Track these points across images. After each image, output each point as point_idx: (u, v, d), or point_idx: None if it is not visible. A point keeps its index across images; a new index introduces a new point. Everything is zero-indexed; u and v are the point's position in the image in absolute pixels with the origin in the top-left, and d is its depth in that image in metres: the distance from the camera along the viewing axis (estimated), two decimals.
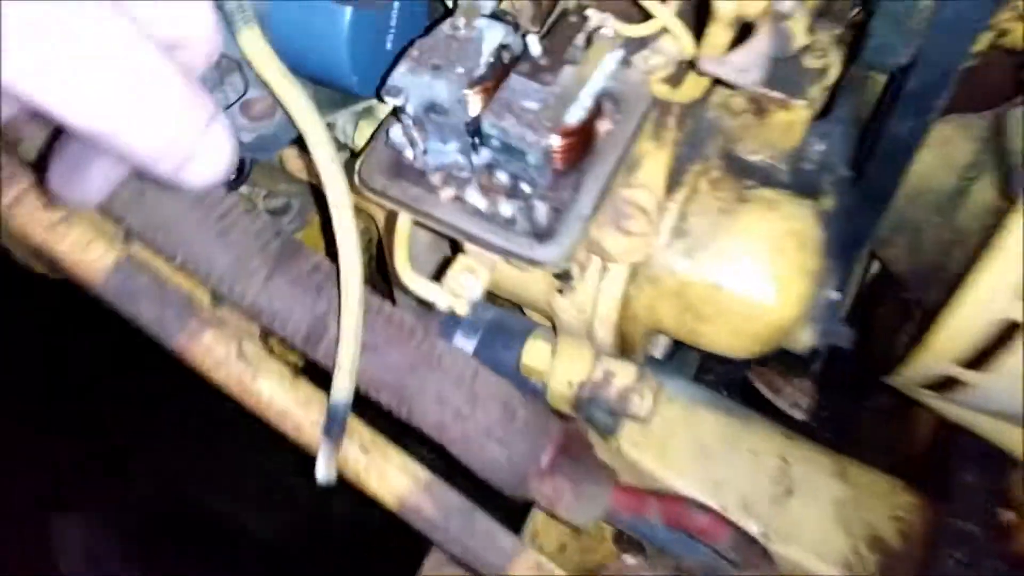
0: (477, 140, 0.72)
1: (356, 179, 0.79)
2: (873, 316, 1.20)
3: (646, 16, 0.81)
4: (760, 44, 0.68)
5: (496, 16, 0.75)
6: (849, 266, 1.03)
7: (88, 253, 0.89)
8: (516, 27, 0.76)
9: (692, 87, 0.86)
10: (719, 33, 0.77)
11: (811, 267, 0.90)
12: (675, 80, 0.85)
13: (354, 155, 1.04)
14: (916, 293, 1.13)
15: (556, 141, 0.69)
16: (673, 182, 0.90)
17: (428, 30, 0.81)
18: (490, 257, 0.77)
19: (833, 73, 0.89)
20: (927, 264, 1.13)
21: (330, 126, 1.02)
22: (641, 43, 0.85)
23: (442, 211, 0.76)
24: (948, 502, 1.09)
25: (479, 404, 0.90)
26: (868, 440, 1.47)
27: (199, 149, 0.46)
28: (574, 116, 0.71)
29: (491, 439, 0.89)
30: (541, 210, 0.75)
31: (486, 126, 0.70)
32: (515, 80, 0.71)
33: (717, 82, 0.85)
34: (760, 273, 0.88)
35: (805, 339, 0.96)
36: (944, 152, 1.09)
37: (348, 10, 0.79)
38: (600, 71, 0.72)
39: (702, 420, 1.14)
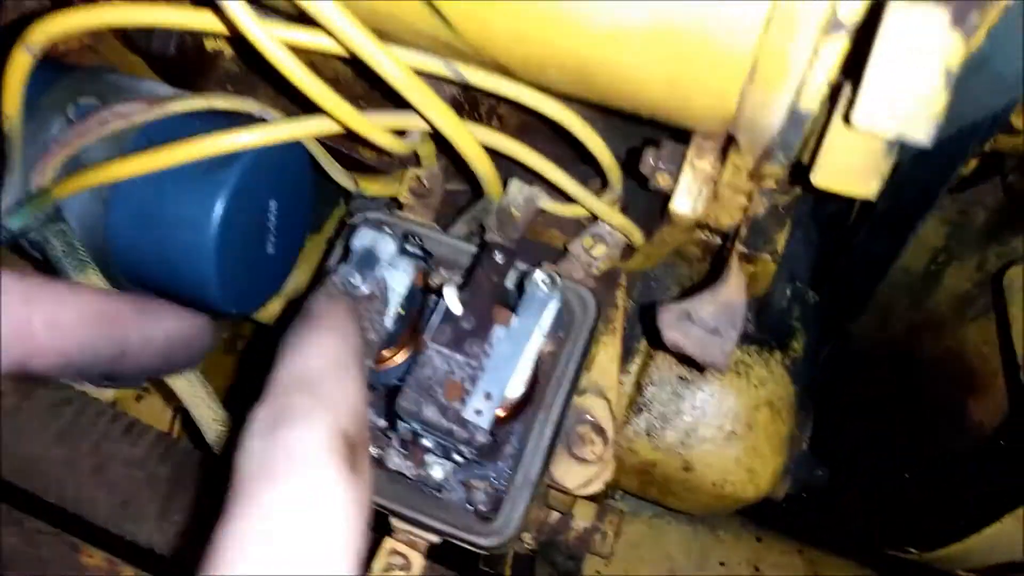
0: (396, 418, 0.58)
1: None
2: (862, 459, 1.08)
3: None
4: (732, 293, 0.54)
5: (402, 248, 0.58)
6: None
7: None
8: (424, 252, 0.60)
9: (641, 262, 0.72)
10: (675, 233, 0.63)
11: (785, 434, 0.80)
12: (623, 255, 0.71)
13: None
14: (881, 380, 1.04)
15: (489, 427, 0.55)
16: (625, 349, 0.77)
17: (326, 255, 0.64)
18: (424, 536, 0.64)
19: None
20: (895, 347, 1.04)
21: None
22: (579, 224, 0.70)
23: None
24: None
25: None
26: None
27: None
28: (514, 391, 0.57)
29: None
30: (479, 486, 0.61)
31: (403, 414, 0.56)
32: (434, 352, 0.56)
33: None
34: (732, 454, 0.78)
35: (779, 493, 0.87)
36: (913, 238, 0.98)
37: (215, 216, 0.61)
38: (540, 329, 0.57)
39: (667, 535, 1.06)
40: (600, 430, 0.69)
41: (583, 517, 0.99)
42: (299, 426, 0.35)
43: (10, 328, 0.38)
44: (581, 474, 0.68)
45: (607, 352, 0.72)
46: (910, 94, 0.39)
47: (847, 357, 1.14)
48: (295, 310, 0.45)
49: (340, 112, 0.53)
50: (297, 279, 0.80)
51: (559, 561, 0.98)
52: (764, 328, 0.81)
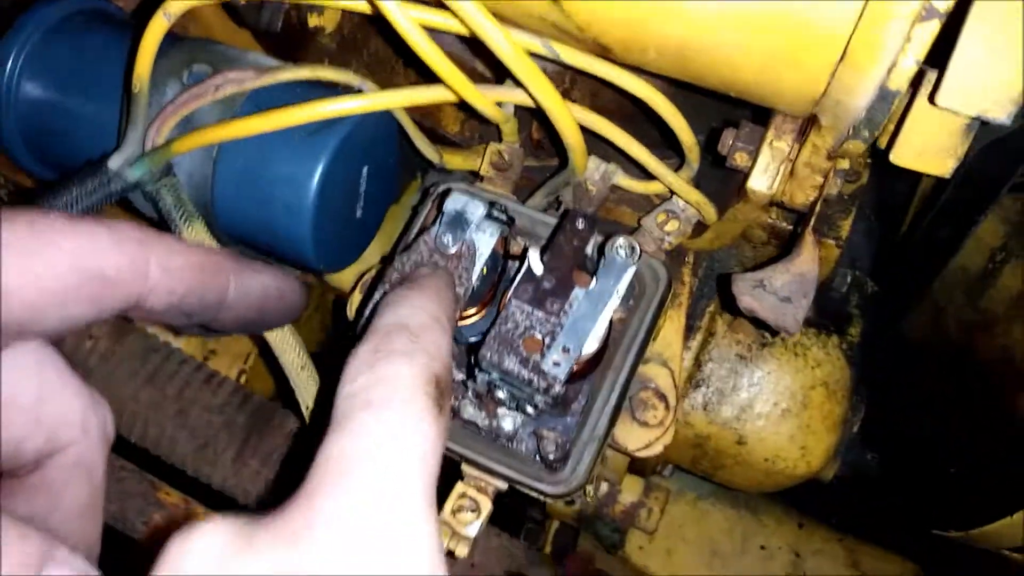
0: (475, 368, 0.61)
1: None
2: (913, 446, 1.08)
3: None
4: (804, 265, 0.57)
5: (488, 213, 0.62)
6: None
7: None
8: (508, 218, 0.64)
9: (710, 241, 0.75)
10: (748, 211, 0.66)
11: (839, 415, 0.82)
12: (692, 233, 0.74)
13: None
14: (933, 375, 1.06)
15: (566, 378, 0.59)
16: (687, 327, 0.80)
17: (410, 220, 0.68)
18: (493, 482, 0.68)
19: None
20: (949, 345, 1.06)
21: None
22: (650, 203, 0.73)
23: None
24: None
25: (479, 568, 0.83)
26: None
27: None
28: (589, 347, 0.61)
29: None
30: (549, 436, 0.65)
31: (484, 364, 0.60)
32: (516, 308, 0.60)
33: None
34: (785, 431, 0.80)
35: (828, 474, 0.89)
36: (974, 232, 1.00)
37: (316, 176, 0.65)
38: (617, 293, 0.61)
39: (710, 517, 1.09)
40: (662, 396, 0.72)
41: (630, 492, 1.02)
42: (398, 362, 0.39)
43: (130, 266, 0.41)
44: (642, 437, 0.72)
45: (672, 325, 0.75)
46: (994, 77, 0.42)
47: (901, 353, 1.16)
48: (382, 271, 0.49)
49: (455, 80, 0.57)
50: (374, 247, 0.84)
51: (604, 534, 1.01)
52: (823, 313, 0.84)
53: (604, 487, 1.02)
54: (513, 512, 1.00)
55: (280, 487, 0.83)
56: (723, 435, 0.82)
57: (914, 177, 0.91)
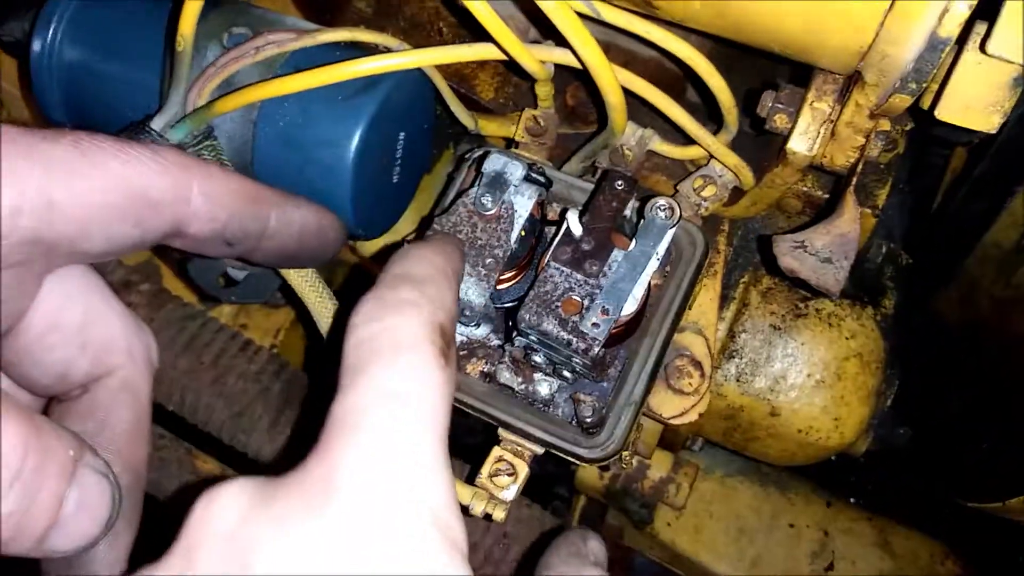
0: (513, 332, 0.62)
1: None
2: (945, 421, 1.07)
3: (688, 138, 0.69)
4: (845, 226, 0.57)
5: (527, 175, 0.62)
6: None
7: None
8: (546, 180, 0.64)
9: (746, 208, 0.75)
10: (787, 175, 0.66)
11: (873, 387, 0.82)
12: (728, 201, 0.74)
13: None
14: (966, 351, 1.05)
15: (604, 339, 0.59)
16: (721, 297, 0.80)
17: (447, 187, 0.68)
18: (529, 447, 0.68)
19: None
20: (981, 320, 1.05)
21: None
22: (686, 170, 0.73)
23: (471, 394, 0.66)
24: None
25: (511, 544, 0.83)
26: None
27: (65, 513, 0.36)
28: (628, 309, 0.61)
29: None
30: (586, 400, 0.65)
31: (523, 326, 0.60)
32: (554, 270, 0.60)
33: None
34: (819, 403, 0.80)
35: (860, 447, 0.89)
36: (1009, 206, 0.99)
37: (356, 138, 0.65)
38: (656, 255, 0.61)
39: (739, 494, 1.09)
40: (697, 364, 0.72)
41: (659, 467, 1.02)
42: (405, 312, 0.39)
43: (173, 188, 0.42)
44: (677, 404, 0.72)
45: (707, 293, 0.75)
46: None
47: (934, 328, 1.15)
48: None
49: (503, 36, 0.57)
50: (406, 218, 0.85)
51: (632, 509, 1.01)
52: (858, 284, 0.83)
53: (633, 462, 1.02)
54: (540, 489, 1.00)
55: (299, 444, 0.84)
56: (756, 406, 0.81)
57: (949, 149, 0.90)
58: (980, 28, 0.47)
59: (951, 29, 0.44)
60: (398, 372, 0.37)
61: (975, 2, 0.43)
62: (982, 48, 0.44)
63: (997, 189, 0.81)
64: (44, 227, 0.37)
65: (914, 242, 0.90)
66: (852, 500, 1.11)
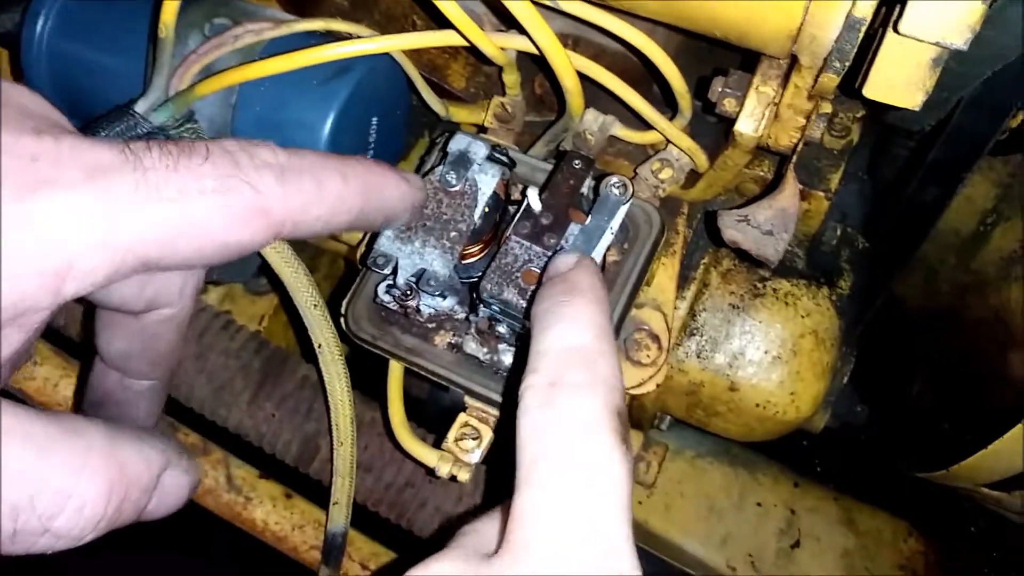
0: (478, 302, 0.65)
1: (343, 325, 0.72)
2: (902, 399, 1.11)
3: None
4: (786, 201, 0.61)
5: (491, 155, 0.66)
6: (861, 326, 0.98)
7: (58, 392, 0.83)
8: (509, 160, 0.68)
9: (703, 190, 0.78)
10: (736, 156, 0.70)
11: (828, 363, 0.85)
12: (686, 184, 0.77)
13: None
14: (927, 337, 1.09)
15: None
16: (682, 277, 0.84)
17: (417, 169, 0.72)
18: (493, 412, 0.72)
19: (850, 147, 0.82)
20: (941, 306, 1.09)
21: None
22: (646, 155, 0.77)
23: (438, 363, 0.70)
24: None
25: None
26: None
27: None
28: None
29: None
30: None
31: (484, 295, 0.63)
32: (515, 243, 0.63)
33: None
34: (776, 378, 0.84)
35: (818, 423, 0.93)
36: (966, 194, 1.03)
37: (329, 120, 0.69)
38: (611, 230, 0.64)
39: (709, 474, 1.12)
40: (655, 337, 0.75)
41: None
42: (578, 399, 0.38)
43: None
44: (636, 376, 0.75)
45: (666, 272, 0.79)
46: (951, 5, 0.46)
47: (894, 312, 1.19)
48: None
49: (463, 23, 0.61)
50: None
51: None
52: (813, 265, 0.87)
53: None
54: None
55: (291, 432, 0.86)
56: (716, 382, 0.85)
57: (912, 140, 0.94)
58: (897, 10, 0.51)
59: (864, 10, 0.48)
60: (578, 467, 0.36)
61: None
62: (895, 28, 0.48)
63: (948, 175, 0.85)
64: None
65: (872, 227, 0.94)
66: (818, 481, 1.15)
